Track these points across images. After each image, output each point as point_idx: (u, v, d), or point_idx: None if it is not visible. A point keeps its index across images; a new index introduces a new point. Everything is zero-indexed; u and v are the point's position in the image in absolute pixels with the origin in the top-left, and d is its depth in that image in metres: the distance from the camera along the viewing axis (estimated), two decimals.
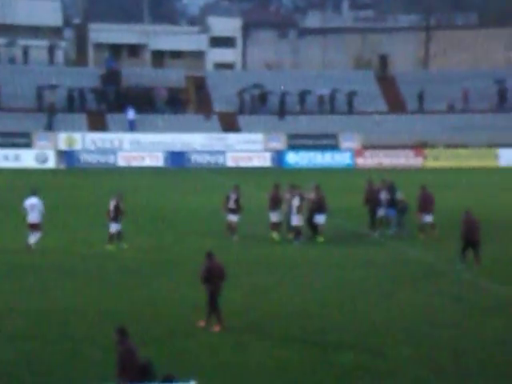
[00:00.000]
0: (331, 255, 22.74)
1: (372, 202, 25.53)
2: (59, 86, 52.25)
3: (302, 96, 54.72)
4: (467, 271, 20.58)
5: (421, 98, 55.41)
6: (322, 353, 14.21)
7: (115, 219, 22.79)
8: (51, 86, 52.28)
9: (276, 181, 26.58)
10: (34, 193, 23.37)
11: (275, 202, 24.80)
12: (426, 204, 25.06)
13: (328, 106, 55.08)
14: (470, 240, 20.76)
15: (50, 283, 19.17)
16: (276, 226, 24.79)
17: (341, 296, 18.22)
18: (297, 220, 23.78)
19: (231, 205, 24.38)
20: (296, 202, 23.57)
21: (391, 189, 25.81)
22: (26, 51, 59.56)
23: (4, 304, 17.18)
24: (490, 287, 19.06)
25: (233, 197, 24.49)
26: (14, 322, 15.89)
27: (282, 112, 54.15)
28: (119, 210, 22.90)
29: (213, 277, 15.50)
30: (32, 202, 22.96)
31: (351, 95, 54.93)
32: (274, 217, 24.81)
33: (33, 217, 22.76)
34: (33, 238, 22.73)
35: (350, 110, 55.08)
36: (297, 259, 22.17)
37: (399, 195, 25.53)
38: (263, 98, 54.67)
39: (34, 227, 22.78)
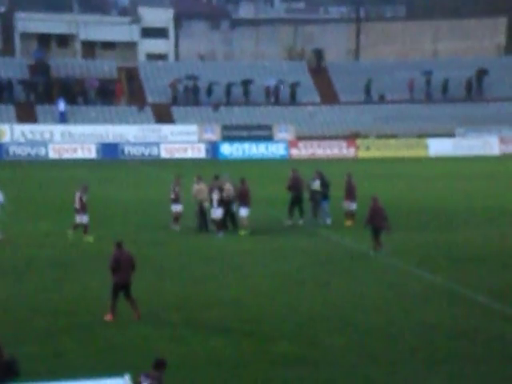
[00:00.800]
0: (265, 246, 22.84)
1: (294, 190, 25.85)
2: (3, 77, 50.93)
3: (242, 86, 54.64)
4: (398, 259, 20.98)
5: (353, 89, 56.11)
6: (258, 343, 14.27)
7: (81, 211, 22.94)
8: None
9: (215, 172, 26.54)
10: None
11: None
12: (351, 192, 25.53)
13: (264, 97, 55.20)
14: (376, 226, 21.35)
15: None
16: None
17: (276, 286, 18.33)
18: (217, 213, 23.76)
19: (173, 195, 24.49)
20: (215, 195, 23.61)
21: (321, 178, 26.16)
22: None
23: None
24: (419, 274, 19.47)
25: (175, 188, 24.57)
26: None
27: (216, 103, 54.03)
28: (82, 202, 23.04)
29: (121, 266, 15.45)
30: None
31: (283, 86, 55.16)
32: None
33: None
34: None
35: (284, 101, 55.35)
36: (232, 250, 22.19)
37: (315, 185, 25.84)
38: (196, 89, 54.43)
39: None
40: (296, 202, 25.78)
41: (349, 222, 25.57)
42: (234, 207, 24.57)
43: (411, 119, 53.95)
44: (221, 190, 23.87)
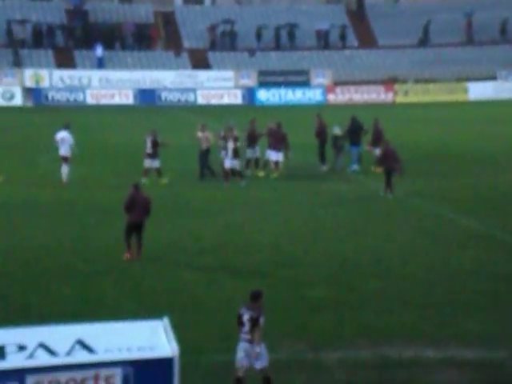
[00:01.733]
0: (302, 192, 22.87)
1: (321, 136, 25.72)
2: (28, 21, 50.98)
3: (281, 30, 54.03)
4: (435, 205, 20.87)
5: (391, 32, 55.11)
6: (295, 287, 14.41)
7: (152, 155, 23.50)
8: (21, 21, 51.00)
9: (252, 117, 26.50)
10: (65, 127, 24.01)
11: (251, 139, 24.83)
12: (378, 138, 25.32)
13: (305, 41, 54.51)
14: (388, 168, 21.87)
15: (20, 221, 19.09)
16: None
17: (312, 231, 18.41)
18: (233, 163, 23.24)
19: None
20: (231, 144, 23.17)
21: (354, 124, 26.00)
22: None
23: None
24: (457, 220, 19.36)
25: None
26: None
27: (252, 48, 53.55)
28: (157, 145, 23.59)
29: (134, 207, 15.90)
30: (62, 135, 23.58)
31: (321, 30, 54.39)
32: (250, 153, 24.92)
33: (63, 150, 23.39)
34: (64, 172, 23.41)
35: (322, 45, 54.62)
36: (268, 196, 22.27)
37: (337, 130, 25.67)
38: (233, 33, 53.95)
39: (64, 160, 23.40)
40: (323, 147, 25.76)
41: (378, 169, 25.40)
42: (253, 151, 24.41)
43: (451, 63, 52.94)
44: (235, 139, 23.43)
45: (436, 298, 13.92)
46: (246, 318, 10.10)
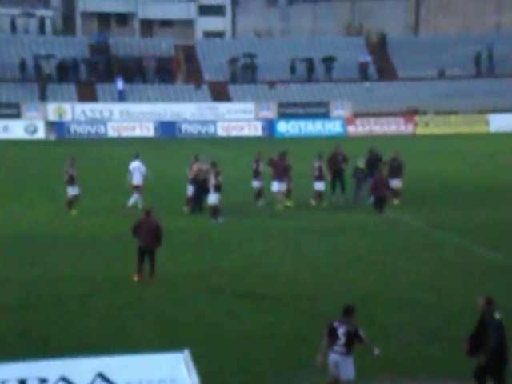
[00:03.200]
0: (321, 223, 22.81)
1: (334, 166, 25.80)
2: (53, 56, 51.79)
3: (302, 63, 54.50)
4: (457, 237, 20.71)
5: (411, 64, 55.28)
6: (314, 319, 14.29)
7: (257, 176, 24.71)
8: (47, 56, 51.82)
9: (282, 149, 26.67)
10: (137, 156, 25.18)
11: (280, 171, 25.02)
12: (398, 170, 25.28)
13: (322, 74, 54.83)
14: (379, 195, 23.18)
15: (41, 253, 19.19)
16: (282, 195, 24.97)
17: (332, 263, 18.31)
18: (212, 198, 22.83)
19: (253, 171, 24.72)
20: (212, 180, 22.85)
21: (372, 155, 26.06)
22: (13, 20, 58.87)
23: None
24: (479, 252, 19.19)
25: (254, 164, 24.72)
26: (7, 292, 15.92)
27: (272, 81, 53.91)
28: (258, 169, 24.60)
29: (142, 232, 16.56)
30: (134, 165, 24.76)
31: (342, 63, 54.69)
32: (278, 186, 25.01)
33: (135, 179, 24.54)
34: (132, 200, 24.26)
35: (341, 77, 54.87)
36: (288, 227, 22.23)
37: (361, 162, 25.72)
38: (253, 66, 54.37)
39: (136, 188, 24.47)
40: (336, 177, 25.75)
41: (395, 201, 25.28)
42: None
43: (472, 95, 52.89)
44: (217, 174, 23.04)
45: (459, 330, 13.74)
46: (341, 331, 10.54)
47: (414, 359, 12.55)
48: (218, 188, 22.82)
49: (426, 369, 12.19)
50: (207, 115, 50.66)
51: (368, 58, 54.93)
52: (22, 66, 51.49)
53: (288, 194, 25.13)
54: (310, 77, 54.67)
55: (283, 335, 13.57)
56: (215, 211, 22.77)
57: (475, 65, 55.57)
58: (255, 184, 25.31)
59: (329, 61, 54.58)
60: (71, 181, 23.91)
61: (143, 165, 25.06)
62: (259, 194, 25.31)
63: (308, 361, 12.44)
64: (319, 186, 25.17)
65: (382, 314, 14.60)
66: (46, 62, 51.65)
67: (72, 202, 23.90)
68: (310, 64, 54.34)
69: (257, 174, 25.22)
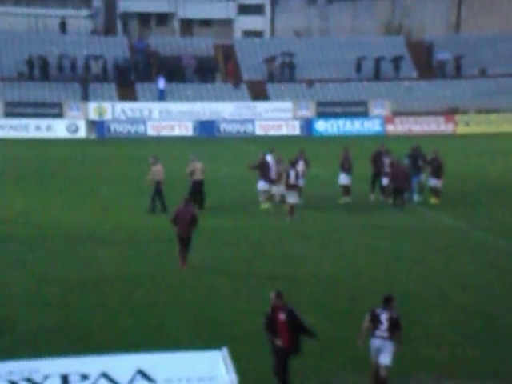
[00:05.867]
0: (360, 222, 22.71)
1: (375, 166, 25.72)
2: (101, 56, 52.42)
3: (331, 62, 54.29)
4: (499, 238, 20.44)
5: (453, 63, 54.68)
6: (352, 320, 14.25)
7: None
8: (96, 56, 52.50)
9: (346, 145, 26.63)
10: (271, 151, 25.40)
11: (346, 165, 25.27)
12: (438, 169, 25.04)
13: (356, 72, 54.56)
14: (397, 186, 23.79)
15: (83, 251, 19.44)
16: (347, 189, 25.36)
17: (371, 263, 18.23)
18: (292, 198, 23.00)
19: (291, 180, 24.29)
20: (292, 179, 22.87)
21: (416, 154, 25.85)
22: (63, 22, 59.64)
23: (40, 272, 17.48)
24: None
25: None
26: (50, 290, 16.17)
27: (311, 79, 53.80)
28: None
29: (180, 221, 17.25)
30: (269, 159, 24.82)
31: (381, 61, 54.36)
32: (345, 179, 25.31)
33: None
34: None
35: (380, 76, 54.54)
36: (326, 227, 22.18)
37: (406, 161, 25.62)
38: (291, 65, 54.33)
39: (271, 182, 24.50)
40: (376, 176, 25.67)
41: (433, 200, 25.08)
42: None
43: None
44: (297, 174, 23.05)
45: (499, 331, 13.60)
46: (384, 317, 11.14)
47: (454, 360, 12.44)
48: (294, 187, 22.70)
49: (465, 370, 12.08)
50: (246, 114, 50.76)
51: (447, 56, 54.35)
52: (67, 65, 52.18)
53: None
54: (347, 75, 54.43)
55: (322, 334, 13.55)
56: (292, 209, 22.74)
57: None
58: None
59: (403, 59, 54.12)
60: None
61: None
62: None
63: (347, 361, 12.42)
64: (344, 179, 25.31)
65: (422, 314, 14.50)
66: (95, 63, 52.35)
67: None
68: (377, 63, 53.89)
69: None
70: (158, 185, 23.72)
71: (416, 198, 25.45)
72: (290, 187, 22.76)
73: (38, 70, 51.79)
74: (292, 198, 22.74)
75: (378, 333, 11.11)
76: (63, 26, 59.08)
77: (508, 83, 53.33)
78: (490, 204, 25.25)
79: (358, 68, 54.47)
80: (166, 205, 23.39)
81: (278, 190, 24.46)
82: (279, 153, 25.49)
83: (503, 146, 42.25)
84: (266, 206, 24.40)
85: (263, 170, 24.59)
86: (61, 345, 12.92)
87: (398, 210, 23.57)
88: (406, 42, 58.09)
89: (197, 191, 24.01)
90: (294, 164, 23.66)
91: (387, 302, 11.33)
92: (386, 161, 25.41)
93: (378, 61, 54.32)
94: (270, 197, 24.72)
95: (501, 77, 54.09)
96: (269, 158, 25.09)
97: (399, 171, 23.88)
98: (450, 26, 68.66)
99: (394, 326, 11.11)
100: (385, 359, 11.08)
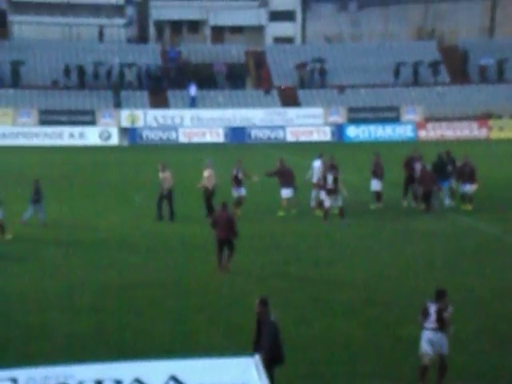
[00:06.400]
0: (391, 228, 22.59)
1: (407, 172, 25.64)
2: (135, 64, 52.92)
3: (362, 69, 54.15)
4: None
5: (486, 68, 54.20)
6: (386, 326, 14.18)
7: (237, 185, 24.64)
8: (130, 64, 53.04)
9: (376, 150, 26.75)
10: (320, 156, 25.73)
11: (378, 171, 25.30)
12: (466, 173, 24.81)
13: (392, 78, 54.29)
14: (425, 189, 24.02)
15: (116, 258, 19.60)
16: (378, 195, 25.48)
17: (404, 269, 18.12)
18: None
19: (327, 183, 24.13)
20: (330, 184, 23.14)
21: (444, 160, 25.71)
22: (101, 31, 60.29)
23: (74, 278, 17.66)
24: None
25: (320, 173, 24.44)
26: (83, 295, 16.33)
27: (342, 85, 53.69)
28: (238, 178, 24.60)
29: (219, 224, 17.60)
30: (318, 164, 25.13)
31: (414, 67, 54.05)
32: (377, 185, 25.31)
33: (315, 178, 24.69)
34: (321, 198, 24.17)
35: (412, 81, 54.23)
36: (357, 233, 22.10)
37: (449, 168, 25.38)
38: (323, 71, 54.27)
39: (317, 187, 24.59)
40: (409, 182, 25.52)
41: (465, 206, 24.86)
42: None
43: None
44: (335, 178, 23.16)
45: None
46: (433, 309, 11.46)
47: (489, 367, 12.30)
48: (331, 191, 22.94)
49: (501, 378, 11.94)
50: (276, 120, 50.80)
51: (491, 61, 53.96)
52: (100, 73, 52.74)
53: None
54: (379, 81, 54.18)
55: (355, 341, 13.50)
56: (341, 212, 23.17)
57: None
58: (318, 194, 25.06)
59: (436, 64, 53.83)
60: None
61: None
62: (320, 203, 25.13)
63: (380, 368, 12.35)
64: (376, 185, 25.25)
65: (456, 321, 14.35)
66: (129, 70, 52.85)
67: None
68: (415, 68, 53.66)
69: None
70: (168, 192, 23.69)
71: (448, 202, 25.26)
72: (329, 192, 22.87)
73: (74, 78, 52.42)
74: (328, 202, 22.88)
75: (427, 325, 11.45)
76: (100, 35, 59.77)
77: None
78: None
79: (396, 73, 54.06)
80: (175, 211, 23.55)
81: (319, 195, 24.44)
82: (333, 157, 25.44)
83: None
84: (281, 213, 24.42)
85: (282, 177, 24.57)
86: (94, 350, 13.03)
87: (430, 214, 23.43)
88: (438, 47, 57.72)
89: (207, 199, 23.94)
90: (331, 168, 23.71)
91: (439, 296, 11.60)
92: (418, 167, 25.26)
93: (410, 66, 54.02)
94: (293, 204, 24.63)
95: None
96: (318, 162, 25.15)
97: (427, 174, 24.16)
98: (484, 30, 68.02)
99: (441, 316, 11.42)
100: (444, 349, 11.47)
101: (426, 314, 11.49)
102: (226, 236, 17.58)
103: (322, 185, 23.41)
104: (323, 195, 23.45)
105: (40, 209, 23.06)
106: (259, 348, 10.54)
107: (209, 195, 23.95)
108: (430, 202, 24.10)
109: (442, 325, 11.42)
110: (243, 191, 24.82)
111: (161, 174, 24.14)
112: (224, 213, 17.82)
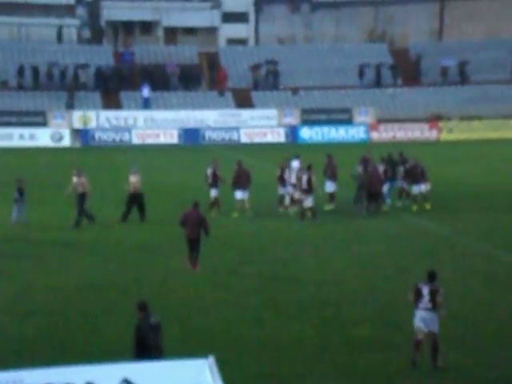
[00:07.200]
0: (344, 229, 22.77)
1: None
2: (89, 65, 52.30)
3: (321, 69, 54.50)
4: (483, 243, 20.57)
5: (436, 70, 55.05)
6: (339, 326, 14.29)
7: (214, 185, 24.58)
8: (84, 65, 52.38)
9: (329, 152, 27.04)
10: (296, 157, 26.09)
11: (329, 172, 25.51)
12: (418, 174, 25.18)
13: (344, 80, 54.75)
14: (371, 190, 24.22)
15: (67, 260, 19.37)
16: (332, 196, 25.64)
17: (356, 270, 18.28)
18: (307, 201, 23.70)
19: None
20: (304, 184, 23.45)
21: (390, 162, 26.06)
22: (60, 31, 59.39)
23: (23, 281, 17.39)
24: (506, 259, 19.04)
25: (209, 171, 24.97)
26: (33, 298, 16.09)
27: (295, 87, 53.94)
28: (216, 176, 24.62)
29: (188, 223, 17.76)
30: (296, 164, 25.41)
31: (366, 69, 54.60)
32: (331, 187, 25.54)
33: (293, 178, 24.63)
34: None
35: (365, 83, 54.77)
36: (310, 234, 22.23)
37: (360, 169, 25.67)
38: (276, 73, 54.45)
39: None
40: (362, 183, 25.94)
41: (424, 205, 25.22)
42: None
43: (496, 100, 52.51)
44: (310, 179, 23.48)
45: (485, 338, 13.67)
46: (425, 291, 12.24)
47: (438, 366, 12.49)
48: (306, 191, 23.25)
49: (451, 376, 12.12)
50: (230, 122, 50.81)
51: (451, 62, 54.66)
52: (51, 74, 52.05)
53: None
54: (333, 83, 54.61)
55: (308, 341, 13.58)
56: (313, 212, 23.46)
57: (500, 69, 55.16)
58: (281, 190, 25.33)
59: (387, 67, 54.28)
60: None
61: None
62: (281, 200, 25.35)
63: (333, 368, 12.44)
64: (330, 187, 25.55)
65: (407, 320, 14.54)
66: (83, 71, 52.22)
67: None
68: (367, 70, 54.05)
69: (282, 181, 25.24)
70: (82, 197, 23.18)
71: (389, 202, 25.66)
72: (303, 192, 23.31)
73: (27, 79, 51.64)
74: (306, 202, 23.36)
75: (421, 305, 12.25)
76: (58, 36, 59.00)
77: (491, 90, 53.73)
78: (473, 210, 25.40)
79: (349, 75, 54.45)
80: (90, 215, 23.21)
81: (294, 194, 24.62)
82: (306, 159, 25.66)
83: (486, 153, 42.54)
84: (235, 214, 24.58)
85: (238, 179, 24.63)
86: (45, 355, 12.84)
87: (372, 214, 23.89)
88: (389, 50, 58.42)
89: (134, 204, 23.65)
90: (307, 169, 23.91)
91: (430, 278, 12.31)
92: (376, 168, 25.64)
93: (362, 68, 54.56)
94: (248, 206, 24.70)
95: (484, 83, 54.47)
96: (296, 163, 25.25)
97: (375, 175, 24.44)
98: (433, 33, 69.11)
99: (435, 297, 12.14)
100: (433, 327, 12.24)
101: (419, 295, 12.24)
102: (195, 235, 17.82)
103: (297, 185, 23.70)
104: (299, 195, 23.64)
105: (21, 209, 23.11)
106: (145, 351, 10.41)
107: (132, 199, 23.62)
108: (379, 202, 24.51)
109: (434, 305, 12.19)
110: (216, 192, 24.89)
111: (75, 179, 23.55)
112: (194, 212, 17.93)
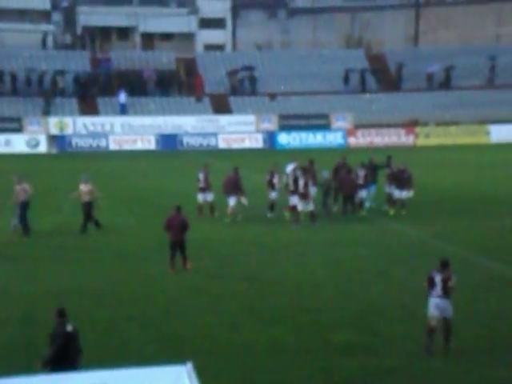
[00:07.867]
0: (322, 234, 22.82)
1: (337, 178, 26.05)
2: (67, 71, 51.98)
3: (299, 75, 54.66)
4: (457, 247, 20.71)
5: (412, 75, 55.45)
6: (317, 332, 14.30)
7: (204, 190, 24.74)
8: (61, 71, 52.07)
9: (310, 157, 26.96)
10: (293, 161, 25.84)
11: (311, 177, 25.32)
12: (404, 180, 25.35)
13: (324, 86, 54.99)
14: (346, 193, 24.87)
15: (43, 267, 19.20)
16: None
17: (334, 275, 18.32)
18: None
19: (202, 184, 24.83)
20: (301, 188, 23.54)
21: (370, 167, 26.21)
22: (44, 37, 59.07)
23: None
24: (480, 263, 19.19)
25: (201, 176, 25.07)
26: (8, 306, 15.93)
27: (273, 93, 54.05)
28: (208, 181, 24.80)
29: (172, 227, 18.14)
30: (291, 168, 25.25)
31: (343, 75, 54.83)
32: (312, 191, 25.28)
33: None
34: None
35: (342, 89, 55.03)
36: (289, 239, 22.25)
37: (326, 174, 25.81)
38: (253, 79, 54.54)
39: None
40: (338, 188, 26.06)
41: (400, 211, 25.37)
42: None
43: (472, 105, 53.02)
44: (306, 183, 23.55)
45: (462, 342, 13.74)
46: (438, 279, 12.81)
47: (416, 370, 12.53)
48: (304, 196, 23.37)
49: (430, 380, 12.16)
50: (208, 128, 50.78)
51: (436, 68, 55.05)
52: (28, 80, 51.75)
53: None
54: (310, 89, 54.81)
55: (285, 347, 13.57)
56: (312, 216, 23.59)
57: (477, 75, 55.71)
58: (272, 195, 25.30)
59: (364, 72, 54.56)
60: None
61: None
62: (272, 205, 25.31)
63: (313, 373, 12.43)
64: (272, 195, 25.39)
65: (385, 325, 14.59)
66: (60, 77, 51.91)
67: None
68: (344, 75, 54.30)
69: (271, 186, 25.27)
70: (23, 205, 22.66)
71: (370, 205, 25.85)
72: (300, 196, 23.47)
73: (4, 84, 51.31)
74: (300, 207, 23.53)
75: (434, 293, 12.84)
76: (43, 42, 58.71)
77: (467, 96, 54.21)
78: (450, 214, 25.58)
79: (326, 81, 54.69)
80: (29, 226, 22.67)
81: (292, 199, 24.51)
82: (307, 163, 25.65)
83: (462, 158, 42.89)
84: (227, 220, 24.50)
85: (234, 184, 24.59)
86: (21, 363, 12.71)
87: (349, 217, 24.37)
88: (366, 55, 58.77)
89: (86, 213, 23.19)
90: (304, 173, 23.96)
91: (443, 266, 12.84)
92: (362, 173, 25.76)
93: (340, 74, 54.80)
94: (236, 211, 24.75)
95: (460, 89, 54.96)
96: (291, 166, 25.27)
97: (346, 179, 24.87)
98: (408, 39, 69.65)
99: (446, 285, 12.66)
100: (448, 314, 12.89)
101: (431, 283, 12.75)
102: (179, 238, 18.11)
103: (293, 189, 23.74)
104: (295, 200, 23.64)
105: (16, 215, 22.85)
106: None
107: (89, 208, 23.21)
108: (354, 205, 24.98)
109: (446, 292, 12.74)
110: (211, 196, 24.91)
111: (17, 187, 22.94)
112: (178, 216, 18.29)
